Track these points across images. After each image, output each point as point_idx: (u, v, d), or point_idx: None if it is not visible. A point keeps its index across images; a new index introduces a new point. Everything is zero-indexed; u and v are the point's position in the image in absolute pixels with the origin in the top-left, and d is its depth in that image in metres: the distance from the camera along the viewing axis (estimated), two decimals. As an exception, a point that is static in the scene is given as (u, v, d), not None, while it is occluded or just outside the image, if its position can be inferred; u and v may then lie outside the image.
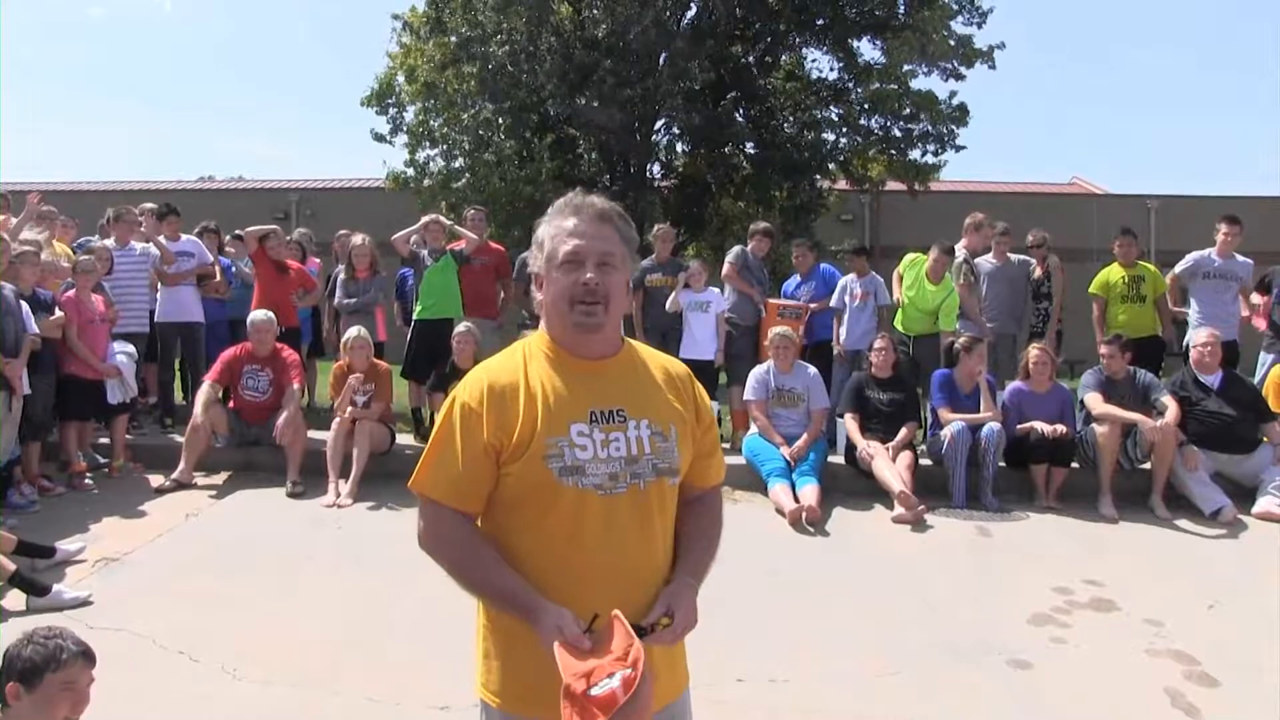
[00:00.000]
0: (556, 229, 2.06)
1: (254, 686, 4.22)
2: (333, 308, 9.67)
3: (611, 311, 2.04)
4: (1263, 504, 7.08)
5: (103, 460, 7.88)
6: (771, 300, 9.20)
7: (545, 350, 2.08)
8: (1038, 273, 9.23)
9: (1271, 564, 6.14)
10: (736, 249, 9.40)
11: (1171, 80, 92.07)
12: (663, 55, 16.65)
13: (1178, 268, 8.91)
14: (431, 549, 2.07)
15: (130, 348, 8.12)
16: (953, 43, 18.29)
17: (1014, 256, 9.27)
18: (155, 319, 8.89)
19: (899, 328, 8.74)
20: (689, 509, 2.20)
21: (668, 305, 8.76)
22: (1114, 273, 8.97)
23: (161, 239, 8.92)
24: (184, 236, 9.29)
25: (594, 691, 1.74)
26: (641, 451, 2.02)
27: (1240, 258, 8.77)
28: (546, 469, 1.96)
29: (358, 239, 9.34)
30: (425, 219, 8.92)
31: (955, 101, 18.63)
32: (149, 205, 9.28)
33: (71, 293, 7.56)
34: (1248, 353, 9.02)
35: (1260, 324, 8.88)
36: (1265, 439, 7.42)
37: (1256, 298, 8.59)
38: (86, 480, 7.40)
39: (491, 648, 2.08)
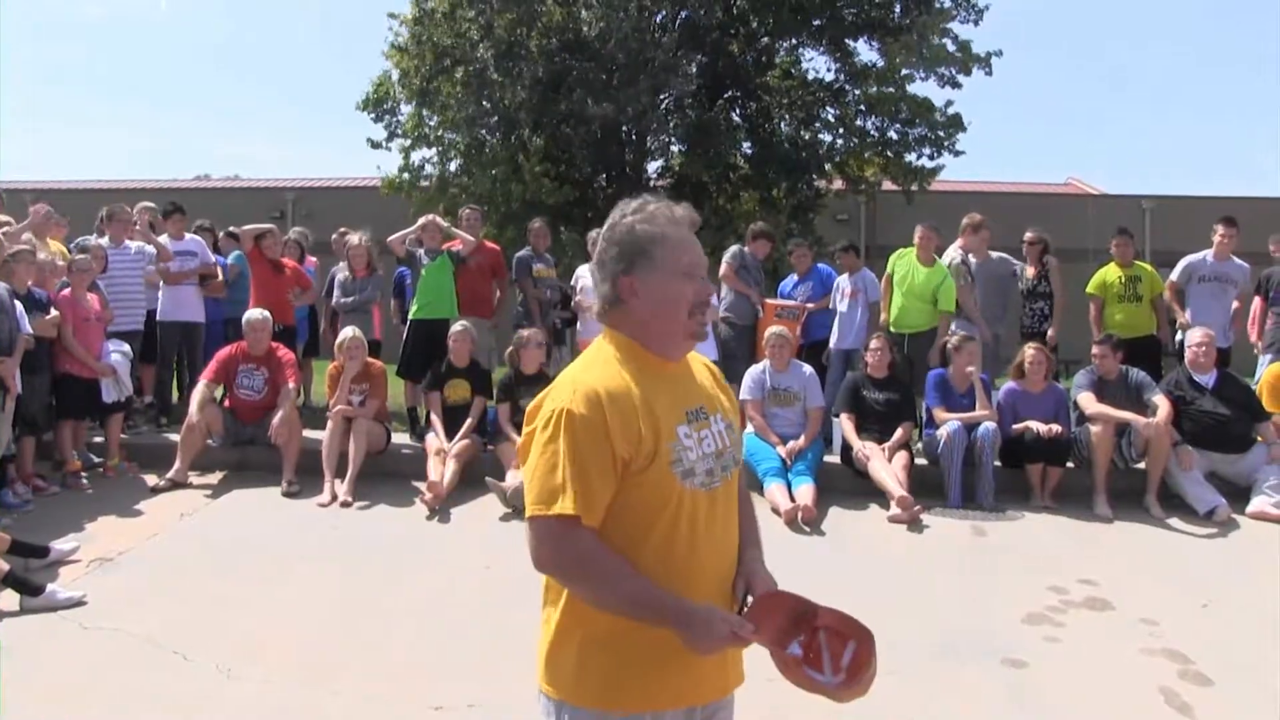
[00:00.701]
0: (670, 235, 2.06)
1: (250, 686, 4.22)
2: (330, 307, 9.68)
3: None
4: (1256, 504, 7.10)
5: (97, 460, 7.86)
6: (769, 301, 9.20)
7: (628, 354, 2.06)
8: (1030, 272, 9.20)
9: (1265, 563, 6.16)
10: (734, 248, 9.41)
11: (1167, 81, 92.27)
12: (648, 65, 16.59)
13: (1174, 274, 8.93)
14: (566, 569, 1.97)
15: (125, 346, 8.11)
16: (951, 48, 18.28)
17: (994, 254, 9.25)
18: (157, 317, 8.87)
19: (892, 327, 8.70)
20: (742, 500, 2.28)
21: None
22: (1111, 273, 8.98)
23: (164, 238, 8.92)
24: (187, 236, 9.29)
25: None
26: (725, 445, 2.09)
27: (1237, 260, 8.78)
28: (672, 474, 1.97)
29: (354, 238, 9.34)
30: (422, 220, 8.92)
31: (951, 111, 18.65)
32: (147, 204, 9.25)
33: (67, 291, 7.55)
34: (1244, 357, 9.03)
35: (1253, 333, 8.92)
36: (1259, 438, 7.44)
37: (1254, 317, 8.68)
38: (81, 479, 7.39)
39: (583, 649, 2.01)
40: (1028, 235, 9.32)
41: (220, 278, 9.48)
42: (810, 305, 9.12)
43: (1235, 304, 8.82)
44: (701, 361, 2.26)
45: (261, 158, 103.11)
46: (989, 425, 7.38)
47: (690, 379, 2.15)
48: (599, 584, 1.95)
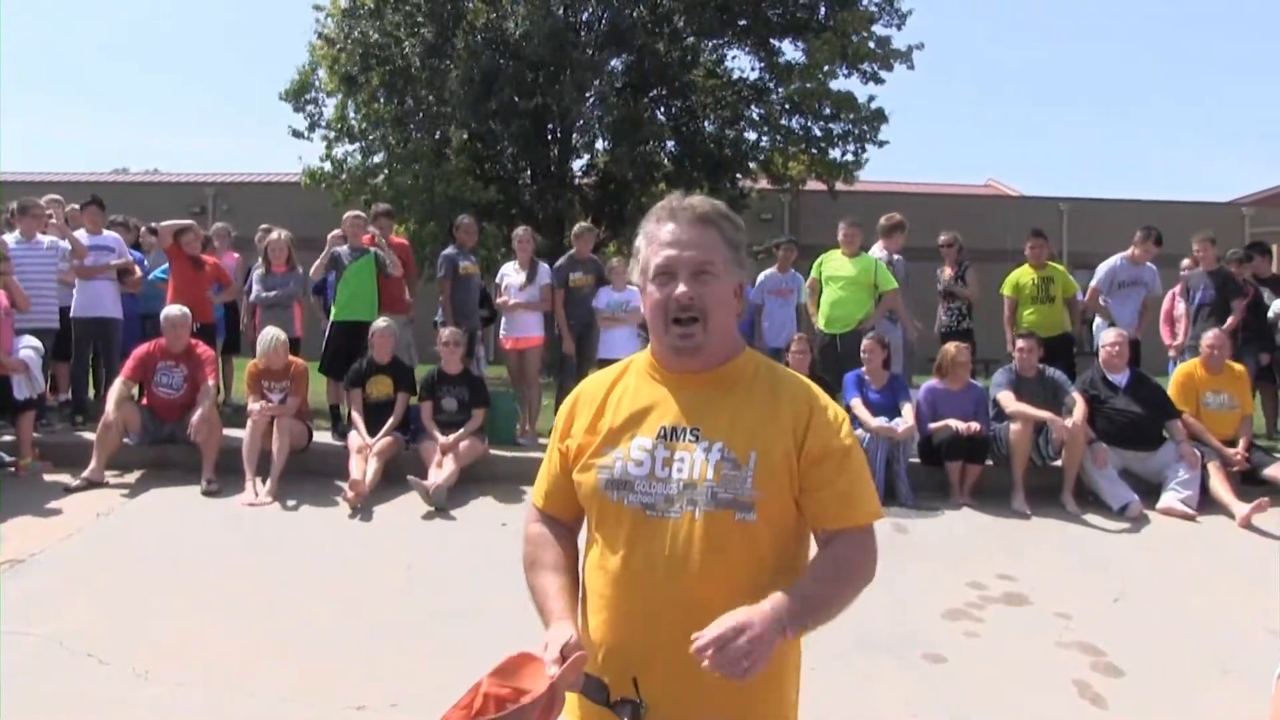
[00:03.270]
0: (651, 237, 1.89)
1: (166, 689, 4.14)
2: (250, 302, 9.52)
3: (712, 327, 1.83)
4: (1165, 500, 7.28)
5: (8, 458, 7.63)
6: None
7: (646, 362, 1.97)
8: (947, 273, 9.40)
9: (1173, 558, 6.36)
10: None
11: (1087, 86, 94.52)
12: (572, 63, 16.59)
13: (1096, 280, 9.16)
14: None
15: (37, 342, 7.84)
16: (872, 45, 18.50)
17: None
18: (70, 314, 8.62)
19: (825, 328, 8.79)
20: (816, 555, 1.95)
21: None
22: (1025, 274, 9.20)
23: (81, 232, 8.67)
24: (106, 231, 9.04)
25: None
26: (702, 477, 1.80)
27: (1150, 265, 9.08)
28: (596, 478, 1.87)
29: (275, 234, 9.21)
30: (345, 218, 8.82)
31: (874, 105, 18.86)
32: (54, 197, 9.00)
33: (-27, 287, 7.32)
34: (1153, 353, 9.30)
35: (1177, 336, 9.20)
36: (1168, 436, 7.65)
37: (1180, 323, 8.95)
38: (-10, 479, 7.17)
39: None
40: (942, 238, 9.55)
41: (138, 274, 9.25)
42: None
43: (1141, 308, 9.13)
44: (775, 384, 1.91)
45: (181, 151, 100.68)
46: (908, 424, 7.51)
47: (703, 396, 1.88)
48: (523, 564, 2.01)
